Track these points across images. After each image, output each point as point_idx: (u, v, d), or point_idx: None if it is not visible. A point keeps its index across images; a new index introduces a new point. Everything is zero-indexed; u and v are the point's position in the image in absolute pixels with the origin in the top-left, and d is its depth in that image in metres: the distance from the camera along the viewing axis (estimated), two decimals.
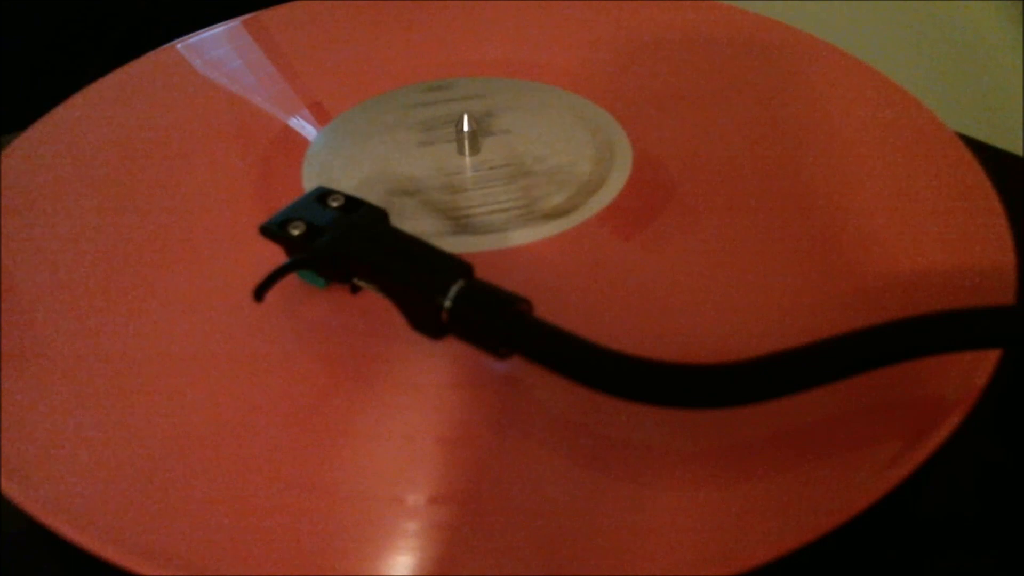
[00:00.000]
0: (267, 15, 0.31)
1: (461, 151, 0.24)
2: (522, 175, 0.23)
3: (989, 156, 0.23)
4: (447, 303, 0.17)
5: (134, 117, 0.26)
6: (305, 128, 0.26)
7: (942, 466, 0.18)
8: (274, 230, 0.19)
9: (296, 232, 0.19)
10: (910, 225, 0.21)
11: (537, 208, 0.22)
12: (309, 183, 0.23)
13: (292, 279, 0.20)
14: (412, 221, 0.22)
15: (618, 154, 0.24)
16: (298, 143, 0.25)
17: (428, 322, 0.18)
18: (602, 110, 0.26)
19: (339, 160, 0.24)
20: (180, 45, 0.30)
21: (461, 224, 0.22)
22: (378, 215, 0.19)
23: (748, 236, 0.21)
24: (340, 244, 0.19)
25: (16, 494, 0.16)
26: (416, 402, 0.17)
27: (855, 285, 0.20)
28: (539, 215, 0.22)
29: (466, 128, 0.24)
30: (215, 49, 0.29)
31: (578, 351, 0.16)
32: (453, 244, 0.21)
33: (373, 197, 0.22)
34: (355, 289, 0.19)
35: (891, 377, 0.17)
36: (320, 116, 0.26)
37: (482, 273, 0.18)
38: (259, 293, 0.18)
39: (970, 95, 0.36)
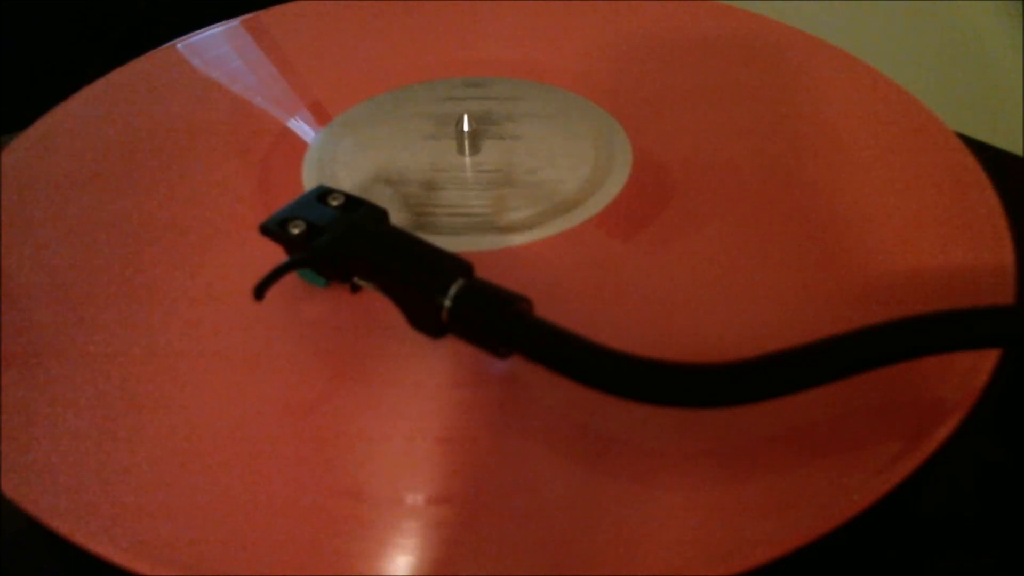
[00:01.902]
0: (267, 15, 0.31)
1: (461, 151, 0.24)
2: (505, 183, 0.23)
3: (989, 156, 0.23)
4: (447, 302, 0.17)
5: (134, 117, 0.26)
6: (305, 128, 0.26)
7: (942, 466, 0.18)
8: (274, 229, 0.19)
9: (296, 231, 0.19)
10: (910, 225, 0.21)
11: (498, 220, 0.22)
12: (309, 182, 0.23)
13: (292, 278, 0.20)
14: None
15: (617, 156, 0.24)
16: (298, 142, 0.25)
17: (428, 321, 0.18)
18: (603, 110, 0.26)
19: (339, 160, 0.24)
20: (180, 45, 0.30)
21: (422, 222, 0.22)
22: (378, 214, 0.19)
23: (748, 236, 0.21)
24: (340, 243, 0.18)
25: (16, 494, 0.16)
26: (416, 402, 0.17)
27: (855, 285, 0.20)
28: (498, 227, 0.22)
29: (466, 128, 0.24)
30: (215, 49, 0.29)
31: (578, 350, 0.16)
32: (449, 243, 0.21)
33: (365, 192, 0.22)
34: (355, 288, 0.19)
35: (891, 377, 0.17)
36: (320, 116, 0.26)
37: (482, 272, 0.18)
38: (259, 292, 0.18)
39: (970, 95, 0.36)
